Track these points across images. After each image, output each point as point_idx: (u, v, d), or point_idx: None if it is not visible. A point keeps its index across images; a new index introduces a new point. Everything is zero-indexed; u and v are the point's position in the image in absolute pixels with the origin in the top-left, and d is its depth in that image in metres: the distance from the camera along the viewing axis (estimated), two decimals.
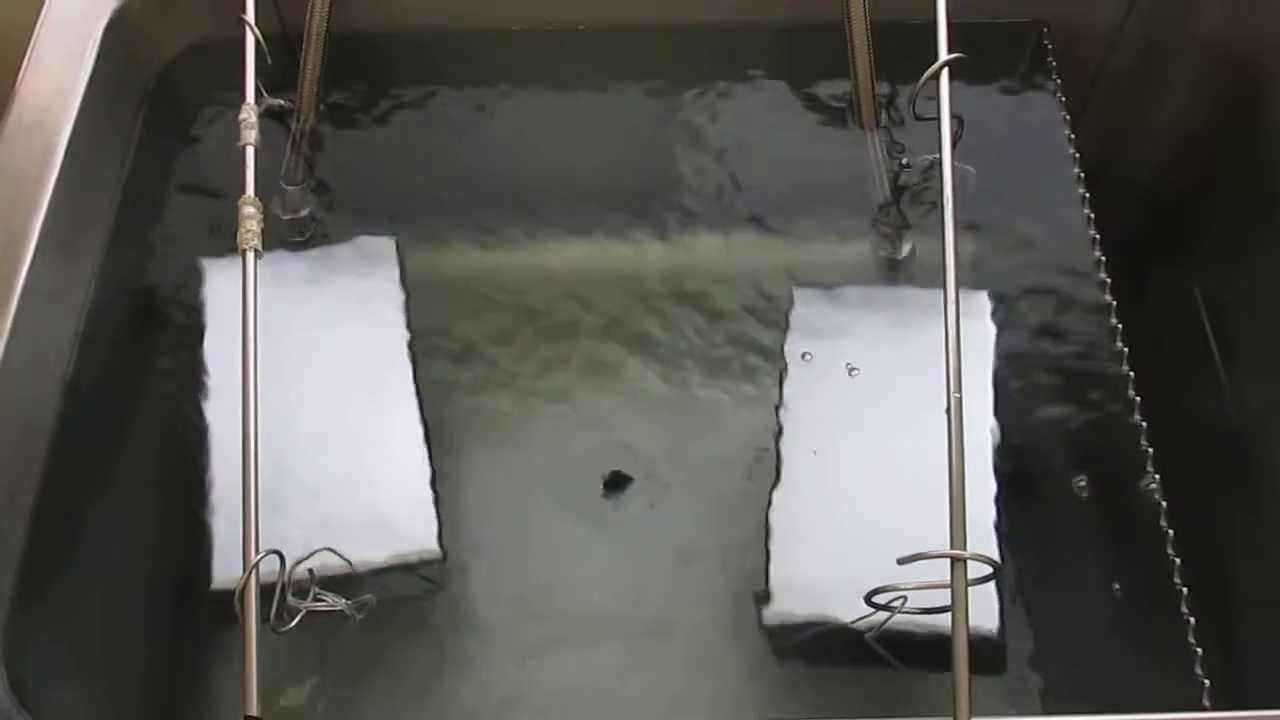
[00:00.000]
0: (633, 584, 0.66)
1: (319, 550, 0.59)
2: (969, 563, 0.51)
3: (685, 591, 0.65)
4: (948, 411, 0.55)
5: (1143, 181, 0.88)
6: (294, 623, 0.56)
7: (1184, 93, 0.85)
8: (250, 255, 0.60)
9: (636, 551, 0.67)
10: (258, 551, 0.52)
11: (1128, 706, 0.52)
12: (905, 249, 0.75)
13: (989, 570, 0.52)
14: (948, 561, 0.51)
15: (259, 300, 0.60)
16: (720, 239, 0.78)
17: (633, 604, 0.65)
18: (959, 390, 0.55)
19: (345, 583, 0.61)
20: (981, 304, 0.71)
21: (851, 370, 0.69)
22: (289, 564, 0.56)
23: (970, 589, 0.51)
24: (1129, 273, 0.74)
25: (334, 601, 0.58)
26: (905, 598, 0.55)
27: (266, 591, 0.54)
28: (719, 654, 0.63)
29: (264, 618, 0.53)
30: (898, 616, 0.57)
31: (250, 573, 0.51)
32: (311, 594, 0.58)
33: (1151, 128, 0.88)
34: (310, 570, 0.57)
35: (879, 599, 0.55)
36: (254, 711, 0.50)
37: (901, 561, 0.51)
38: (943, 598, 0.52)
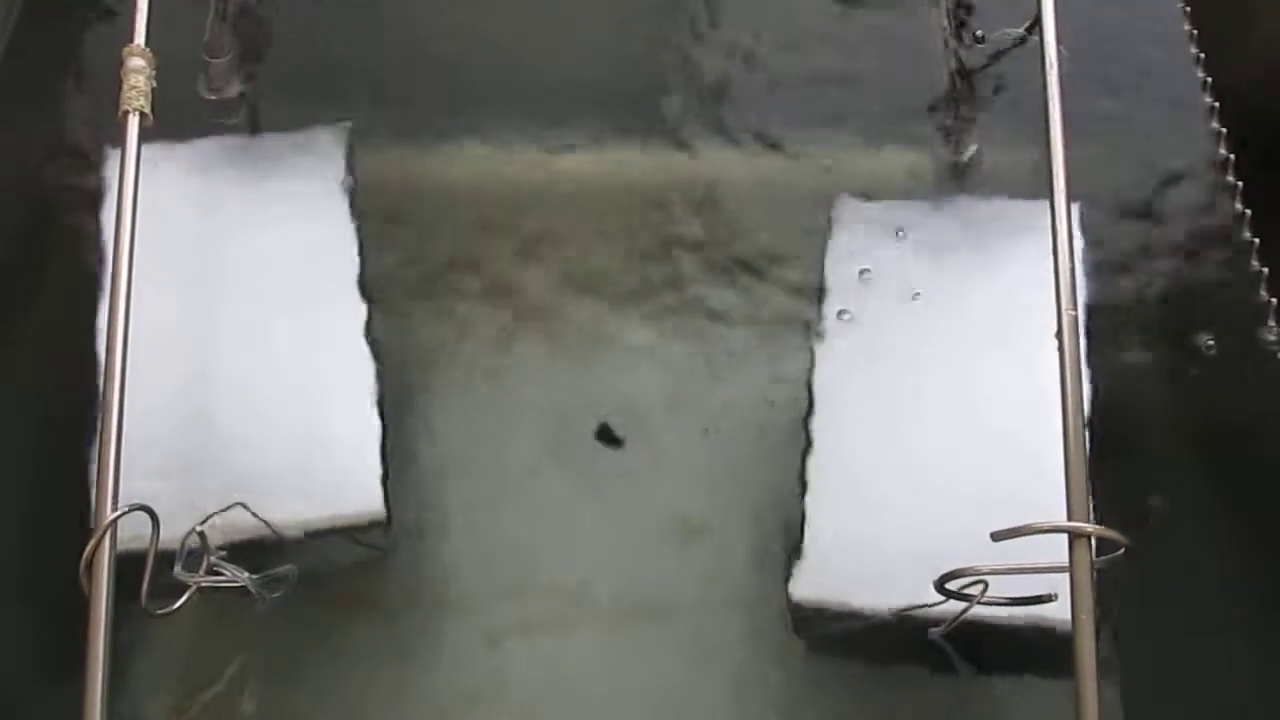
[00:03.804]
0: (625, 555, 0.59)
1: (230, 506, 0.51)
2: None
3: (690, 565, 0.58)
4: (1058, 335, 0.43)
5: (1257, 91, 0.76)
6: (179, 604, 0.48)
7: None
8: (134, 120, 0.51)
9: (631, 514, 0.59)
10: (116, 507, 0.42)
11: None
12: (973, 148, 0.67)
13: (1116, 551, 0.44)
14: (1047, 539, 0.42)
15: (177, 195, 0.55)
16: (740, 138, 0.69)
17: (625, 580, 0.58)
18: (1074, 307, 0.42)
19: (265, 549, 0.54)
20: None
21: (915, 296, 0.60)
22: (202, 522, 0.48)
23: None
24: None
25: (234, 575, 0.50)
26: (986, 583, 0.47)
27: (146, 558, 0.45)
28: (730, 643, 0.56)
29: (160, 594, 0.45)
30: (975, 608, 0.48)
31: (103, 534, 0.40)
32: (205, 564, 0.48)
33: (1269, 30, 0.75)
34: (201, 534, 0.49)
35: (954, 585, 0.46)
36: None
37: (997, 537, 0.43)
38: (1037, 584, 0.45)
